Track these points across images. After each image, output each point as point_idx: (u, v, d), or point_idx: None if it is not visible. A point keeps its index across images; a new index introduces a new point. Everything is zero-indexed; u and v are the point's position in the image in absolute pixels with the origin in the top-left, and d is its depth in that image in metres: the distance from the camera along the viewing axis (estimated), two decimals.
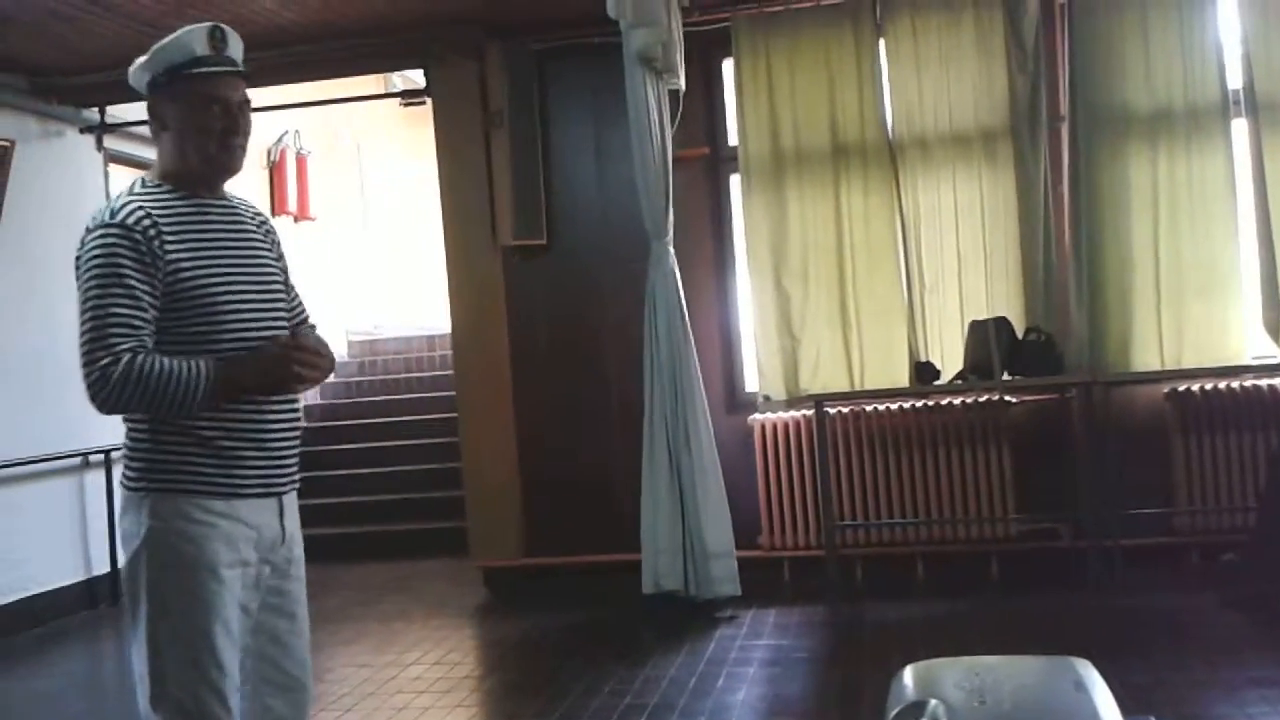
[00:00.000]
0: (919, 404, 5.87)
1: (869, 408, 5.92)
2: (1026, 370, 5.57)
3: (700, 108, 6.16)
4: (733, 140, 6.17)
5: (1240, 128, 5.59)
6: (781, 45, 5.97)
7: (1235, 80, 5.58)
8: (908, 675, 2.31)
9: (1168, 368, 5.55)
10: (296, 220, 9.53)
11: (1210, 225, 5.56)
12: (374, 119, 10.36)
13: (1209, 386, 5.60)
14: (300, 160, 9.57)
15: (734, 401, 6.22)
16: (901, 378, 5.82)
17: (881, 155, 5.91)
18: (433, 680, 4.79)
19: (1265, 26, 5.52)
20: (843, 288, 5.95)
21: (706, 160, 6.22)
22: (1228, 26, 5.61)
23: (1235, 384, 5.58)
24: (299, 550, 2.56)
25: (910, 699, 2.23)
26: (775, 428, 6.04)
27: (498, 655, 5.37)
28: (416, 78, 7.48)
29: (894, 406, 5.90)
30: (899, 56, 5.89)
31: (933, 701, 2.18)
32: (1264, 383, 5.54)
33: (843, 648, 5.01)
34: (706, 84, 6.23)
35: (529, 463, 6.32)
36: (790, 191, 6.00)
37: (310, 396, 8.60)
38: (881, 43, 5.90)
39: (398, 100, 8.32)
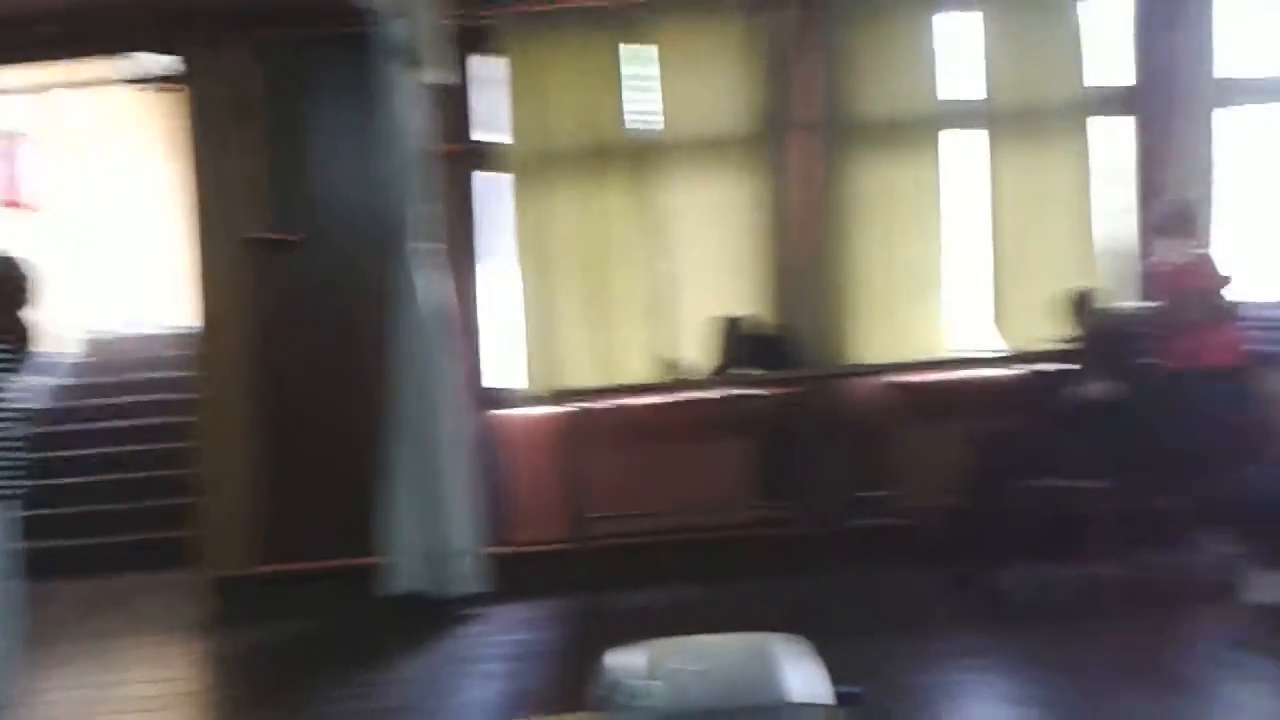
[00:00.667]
0: (668, 399, 5.99)
1: (620, 403, 5.99)
2: (768, 365, 5.79)
3: (460, 103, 6.07)
4: (493, 136, 6.12)
5: (976, 137, 5.97)
6: (544, 44, 5.97)
7: (961, 92, 5.96)
8: (613, 659, 2.33)
9: (889, 360, 5.89)
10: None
11: (923, 231, 5.93)
12: (120, 106, 9.69)
13: (927, 378, 5.97)
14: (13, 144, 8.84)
15: (486, 397, 6.16)
16: (652, 374, 5.92)
17: (639, 156, 5.99)
18: (155, 699, 4.52)
19: (1001, 40, 5.91)
20: (598, 285, 6.01)
21: (464, 156, 6.13)
22: (968, 40, 5.97)
23: (946, 375, 5.97)
24: None
25: (613, 681, 2.25)
26: (529, 423, 6.03)
27: (228, 669, 5.12)
28: (164, 63, 7.04)
29: (644, 401, 5.99)
30: (658, 60, 6.00)
31: (635, 681, 2.21)
32: (974, 374, 5.94)
33: (586, 638, 5.04)
34: (464, 80, 6.14)
35: (268, 465, 6.06)
36: (552, 190, 6.02)
37: (37, 399, 7.94)
38: (642, 46, 5.99)
39: (145, 87, 7.81)
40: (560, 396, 5.79)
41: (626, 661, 2.22)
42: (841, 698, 2.12)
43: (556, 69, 5.99)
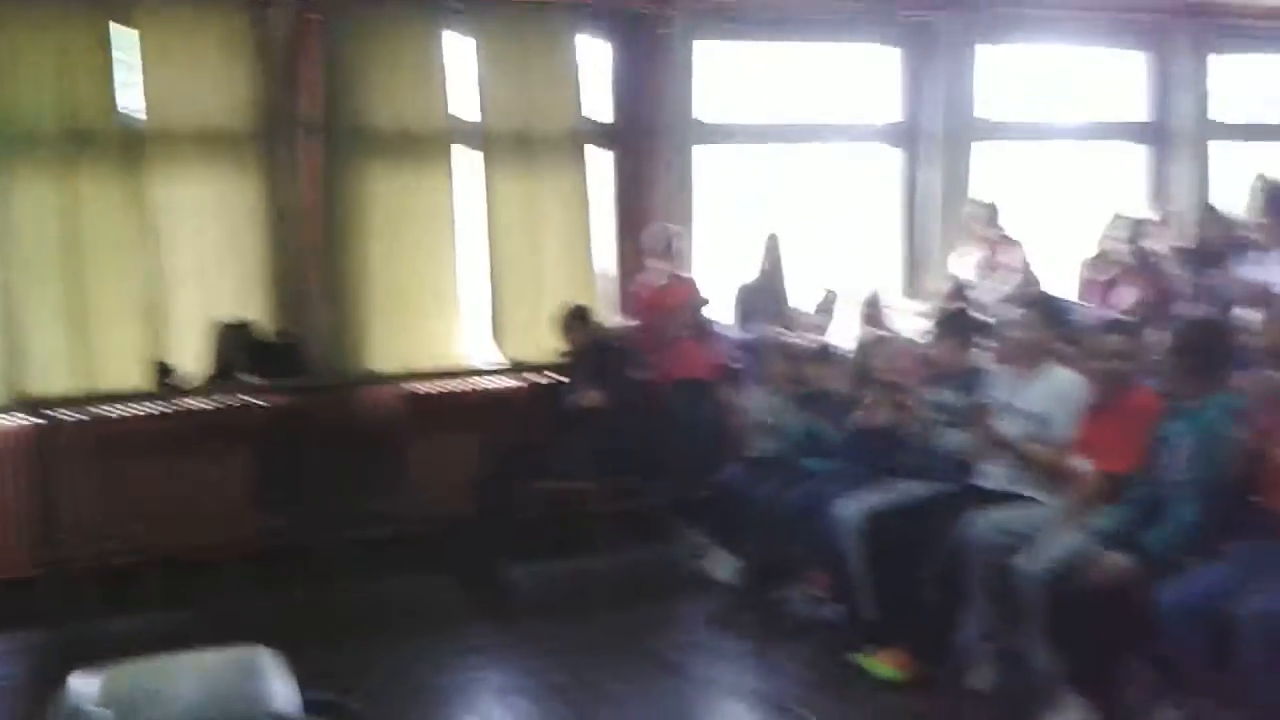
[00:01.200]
0: (160, 408, 5.55)
1: (104, 412, 5.45)
2: (273, 373, 5.55)
3: None
4: None
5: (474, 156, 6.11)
6: (19, 20, 5.30)
7: (465, 111, 6.09)
8: (72, 685, 2.15)
9: (401, 370, 5.88)
10: None
11: (435, 242, 6.00)
12: None
13: (438, 388, 6.02)
14: None
15: None
16: (141, 380, 5.46)
17: (124, 147, 5.50)
18: None
19: (496, 66, 6.08)
20: (76, 283, 5.43)
21: None
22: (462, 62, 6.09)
23: (460, 385, 6.07)
24: None
25: (71, 708, 2.06)
26: None
27: None
28: None
29: (132, 411, 5.51)
30: (140, 44, 5.54)
31: (94, 709, 2.03)
32: (484, 384, 6.10)
33: (50, 672, 4.52)
34: None
35: None
36: (22, 176, 5.34)
37: None
38: (126, 30, 5.51)
39: None
40: (28, 405, 5.17)
41: (85, 688, 2.03)
42: (320, 706, 2.09)
43: (32, 47, 5.35)
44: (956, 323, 4.63)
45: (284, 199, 5.76)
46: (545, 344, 6.04)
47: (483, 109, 6.10)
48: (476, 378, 6.09)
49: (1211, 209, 6.02)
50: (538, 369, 6.07)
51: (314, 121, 5.80)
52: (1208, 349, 3.49)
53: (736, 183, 6.92)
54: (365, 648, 4.40)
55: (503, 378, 6.12)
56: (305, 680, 2.18)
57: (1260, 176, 6.09)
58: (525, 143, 6.13)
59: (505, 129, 6.11)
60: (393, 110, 5.91)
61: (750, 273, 6.25)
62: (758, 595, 4.99)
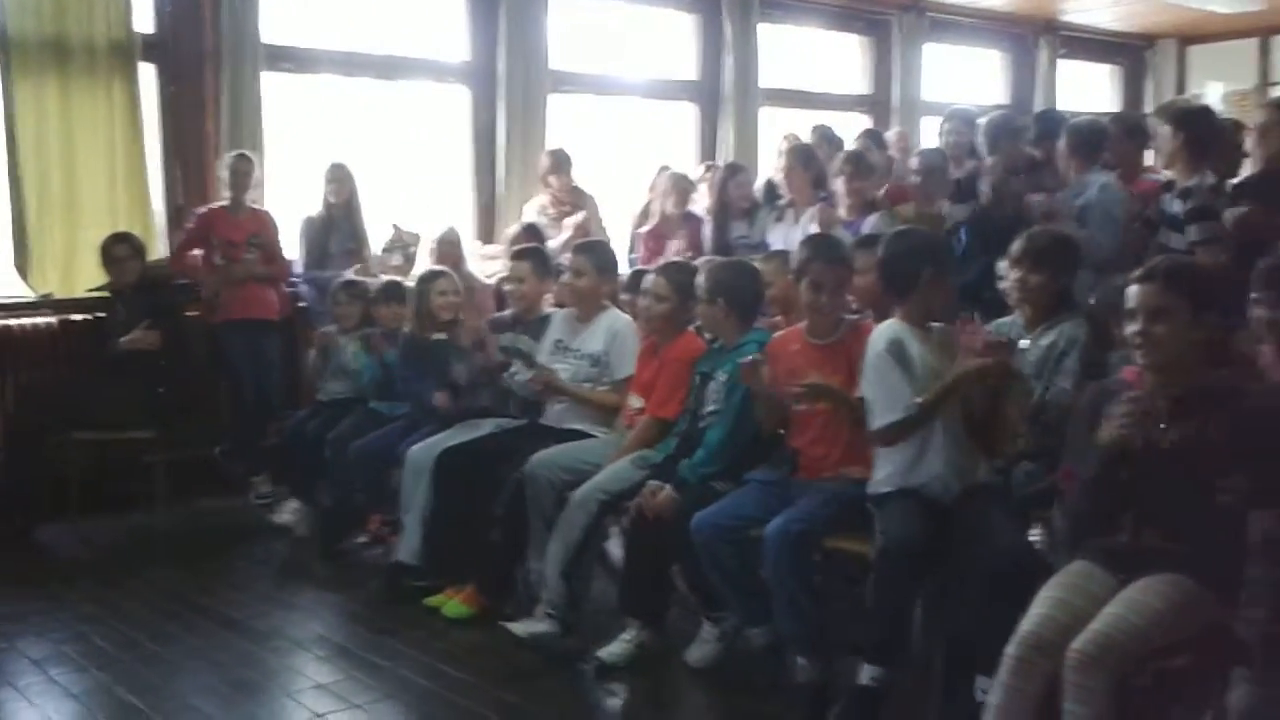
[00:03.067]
0: None
1: None
2: None
3: None
4: None
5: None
6: None
7: None
8: None
9: None
10: None
11: None
12: None
13: None
14: None
15: None
16: None
17: None
18: None
19: None
20: None
21: None
22: None
23: None
24: None
25: None
26: None
27: None
28: None
29: None
30: None
31: None
32: (12, 322, 5.44)
33: None
34: None
35: None
36: None
37: None
38: None
39: None
40: None
41: None
42: None
43: None
44: (535, 257, 4.71)
45: None
46: (86, 278, 5.50)
47: (3, 8, 5.38)
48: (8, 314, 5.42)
49: (737, 167, 6.40)
50: (76, 306, 5.51)
51: None
52: (741, 292, 3.81)
53: (310, 114, 6.60)
54: None
55: (33, 314, 5.48)
56: None
57: (788, 137, 6.65)
58: (61, 50, 5.50)
59: (32, 33, 5.44)
60: None
61: (315, 206, 5.98)
62: (328, 543, 4.89)
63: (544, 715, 3.41)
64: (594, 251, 4.44)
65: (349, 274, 5.55)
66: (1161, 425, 2.62)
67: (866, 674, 3.11)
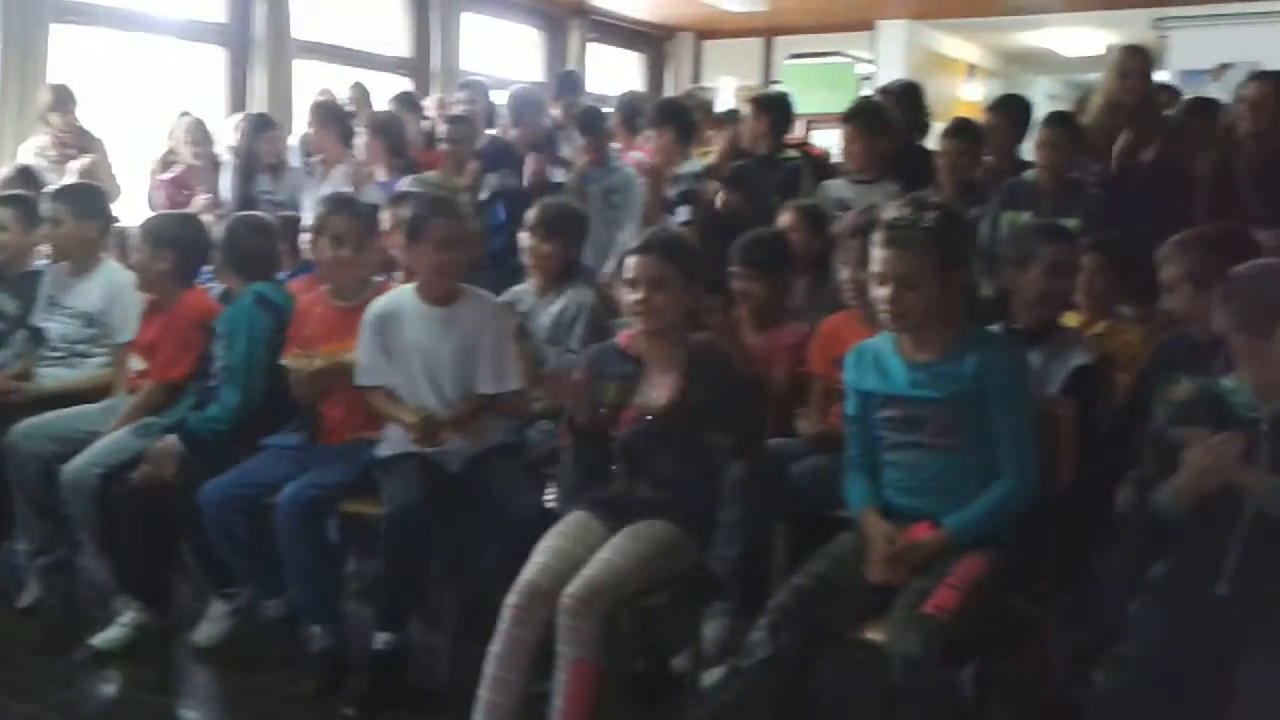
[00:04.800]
0: None
1: None
2: None
3: None
4: None
5: None
6: None
7: None
8: None
9: None
10: None
11: None
12: None
13: None
14: None
15: None
16: None
17: None
18: None
19: None
20: None
21: None
22: None
23: None
24: None
25: None
26: None
27: None
28: None
29: None
30: None
31: None
32: None
33: None
34: None
35: None
36: None
37: None
38: None
39: None
40: None
41: None
42: None
43: None
44: (19, 204, 4.16)
45: None
46: None
47: None
48: None
49: (267, 120, 6.11)
50: None
51: None
52: (252, 246, 3.66)
53: None
54: None
55: None
56: None
57: (323, 92, 6.45)
58: None
59: None
60: None
61: None
62: None
63: (22, 713, 3.07)
64: (74, 196, 4.01)
65: None
66: (652, 390, 2.82)
67: (380, 639, 3.09)
